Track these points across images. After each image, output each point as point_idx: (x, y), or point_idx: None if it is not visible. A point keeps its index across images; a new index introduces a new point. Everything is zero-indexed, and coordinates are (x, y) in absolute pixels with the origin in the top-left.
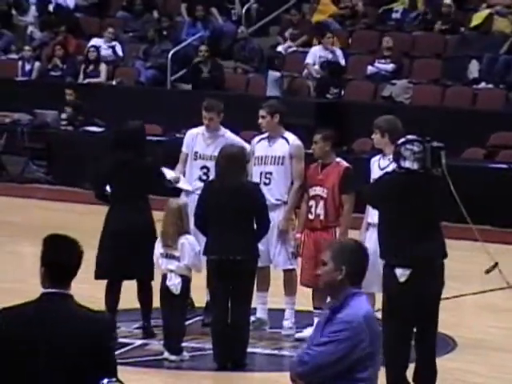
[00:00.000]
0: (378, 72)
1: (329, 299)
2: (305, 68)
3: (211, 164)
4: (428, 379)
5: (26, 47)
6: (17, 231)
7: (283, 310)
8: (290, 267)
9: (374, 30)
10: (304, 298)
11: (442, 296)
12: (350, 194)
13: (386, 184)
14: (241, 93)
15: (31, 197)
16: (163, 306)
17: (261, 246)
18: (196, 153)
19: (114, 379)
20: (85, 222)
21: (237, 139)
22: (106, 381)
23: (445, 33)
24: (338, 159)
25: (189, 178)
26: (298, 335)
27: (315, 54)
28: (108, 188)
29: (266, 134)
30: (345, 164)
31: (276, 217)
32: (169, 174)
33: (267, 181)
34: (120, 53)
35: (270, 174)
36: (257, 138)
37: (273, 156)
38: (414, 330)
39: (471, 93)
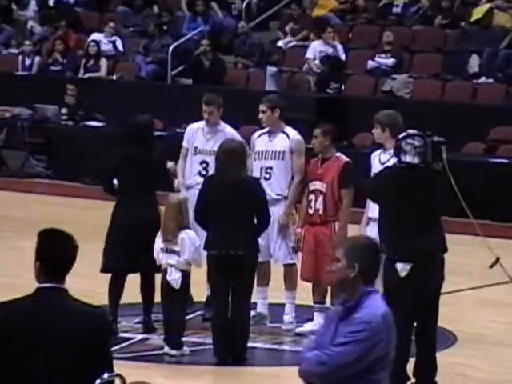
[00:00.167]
0: (379, 66)
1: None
2: (305, 63)
3: (211, 159)
4: (428, 373)
5: (27, 42)
6: (17, 226)
7: (283, 305)
8: (291, 262)
9: (374, 25)
10: (304, 292)
11: (442, 290)
12: (349, 188)
13: (386, 178)
14: (241, 88)
15: (31, 191)
16: (163, 301)
17: (261, 241)
18: (196, 148)
19: (114, 373)
20: (85, 216)
21: (236, 135)
22: (106, 375)
23: (445, 27)
24: (338, 154)
25: (189, 173)
26: (298, 330)
27: (315, 48)
28: (115, 182)
29: (266, 129)
30: (344, 158)
31: (276, 212)
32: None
33: (268, 176)
34: (120, 47)
35: (271, 168)
36: (257, 133)
37: (273, 151)
38: (415, 324)
39: (471, 87)
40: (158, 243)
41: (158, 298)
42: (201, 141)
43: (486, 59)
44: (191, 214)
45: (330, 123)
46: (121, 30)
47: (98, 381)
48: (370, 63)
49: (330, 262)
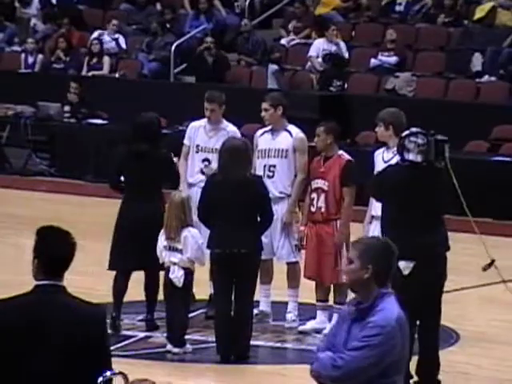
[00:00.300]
0: (382, 65)
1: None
2: (308, 61)
3: (213, 157)
4: (431, 372)
5: (29, 40)
6: (20, 223)
7: (286, 303)
8: (294, 260)
9: (377, 23)
10: (307, 290)
11: (445, 289)
12: (351, 186)
13: (389, 177)
14: (244, 85)
15: (34, 189)
16: (166, 299)
17: (264, 239)
18: (198, 145)
19: (116, 371)
20: (87, 214)
21: (238, 133)
22: (108, 373)
23: (448, 25)
24: (341, 152)
25: (191, 171)
26: (301, 328)
27: (318, 46)
28: (122, 178)
29: (269, 127)
30: (346, 157)
31: (279, 210)
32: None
33: (271, 174)
34: (123, 45)
35: (274, 166)
36: (260, 131)
37: (276, 149)
38: (417, 322)
39: (474, 86)
40: (161, 241)
41: (161, 295)
42: (203, 138)
43: (489, 57)
44: (194, 212)
45: (333, 121)
46: (124, 28)
47: (100, 378)
48: (373, 61)
49: (332, 260)
